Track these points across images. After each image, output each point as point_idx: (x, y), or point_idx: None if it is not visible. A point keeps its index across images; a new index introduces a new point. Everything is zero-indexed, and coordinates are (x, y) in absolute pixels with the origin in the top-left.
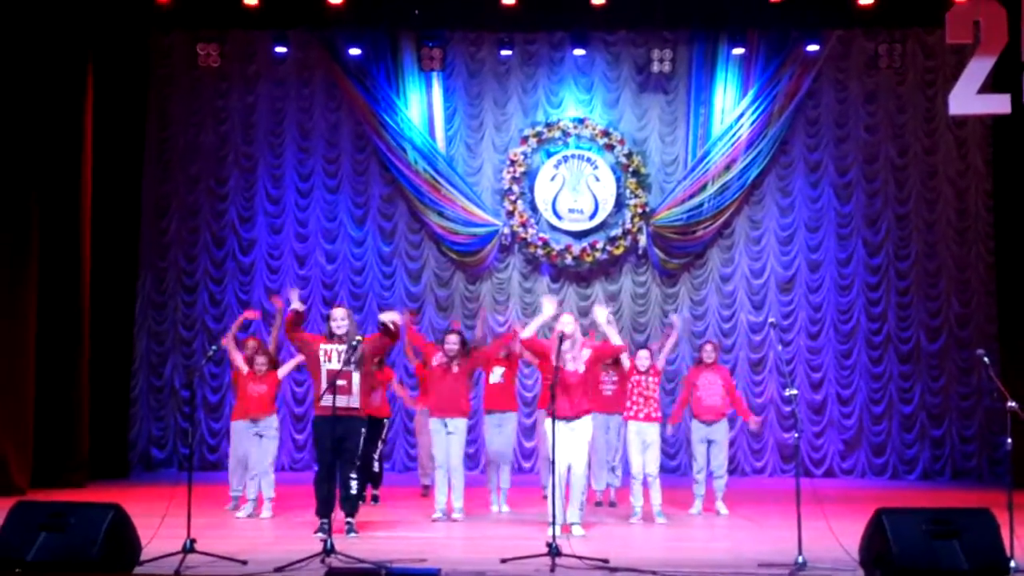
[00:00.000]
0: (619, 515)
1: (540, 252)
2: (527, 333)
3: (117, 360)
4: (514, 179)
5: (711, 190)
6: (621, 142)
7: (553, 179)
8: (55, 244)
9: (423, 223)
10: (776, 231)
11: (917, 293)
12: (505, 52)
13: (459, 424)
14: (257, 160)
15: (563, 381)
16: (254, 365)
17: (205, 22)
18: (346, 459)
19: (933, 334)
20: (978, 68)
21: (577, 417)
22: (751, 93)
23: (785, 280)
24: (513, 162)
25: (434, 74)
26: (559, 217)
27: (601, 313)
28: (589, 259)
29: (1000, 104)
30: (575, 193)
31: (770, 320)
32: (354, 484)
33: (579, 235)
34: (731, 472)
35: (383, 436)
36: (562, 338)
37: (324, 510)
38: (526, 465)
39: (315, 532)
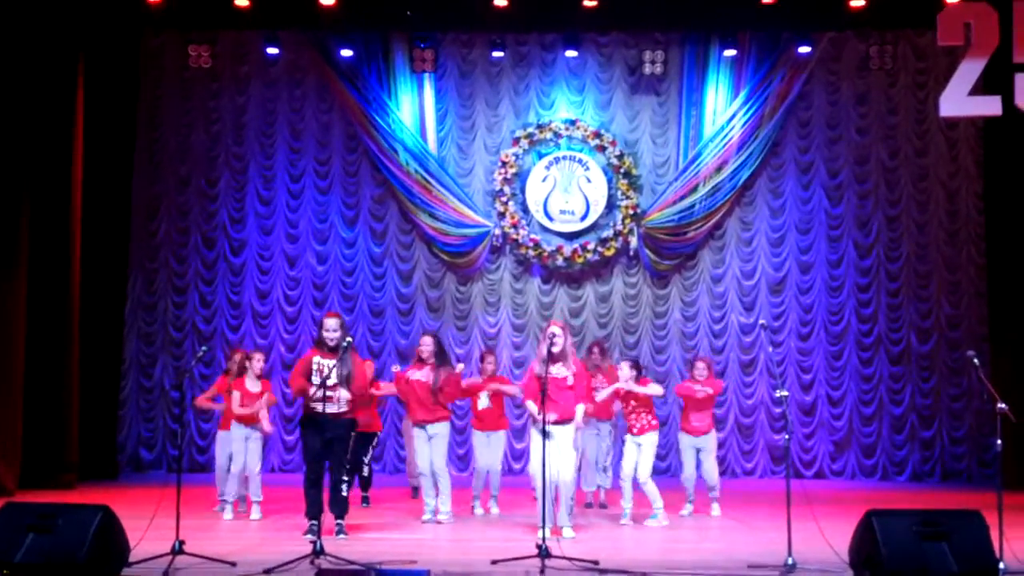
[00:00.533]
0: (609, 516)
1: (531, 253)
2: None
3: (106, 361)
4: (505, 180)
5: (702, 191)
6: (612, 143)
7: (544, 180)
8: (45, 245)
9: (414, 224)
10: (767, 232)
11: (908, 295)
12: (497, 53)
13: (439, 428)
14: (248, 161)
15: (549, 388)
16: (244, 383)
17: (196, 23)
18: (336, 461)
19: (924, 335)
20: (969, 70)
21: (560, 423)
22: (742, 95)
23: (776, 281)
24: (504, 163)
25: (426, 75)
26: (550, 218)
27: (624, 371)
28: (580, 260)
29: (991, 106)
30: (566, 194)
31: (761, 321)
32: (344, 486)
33: (570, 236)
34: (722, 474)
35: (373, 444)
36: (550, 354)
37: (313, 512)
38: (516, 466)
39: (304, 534)
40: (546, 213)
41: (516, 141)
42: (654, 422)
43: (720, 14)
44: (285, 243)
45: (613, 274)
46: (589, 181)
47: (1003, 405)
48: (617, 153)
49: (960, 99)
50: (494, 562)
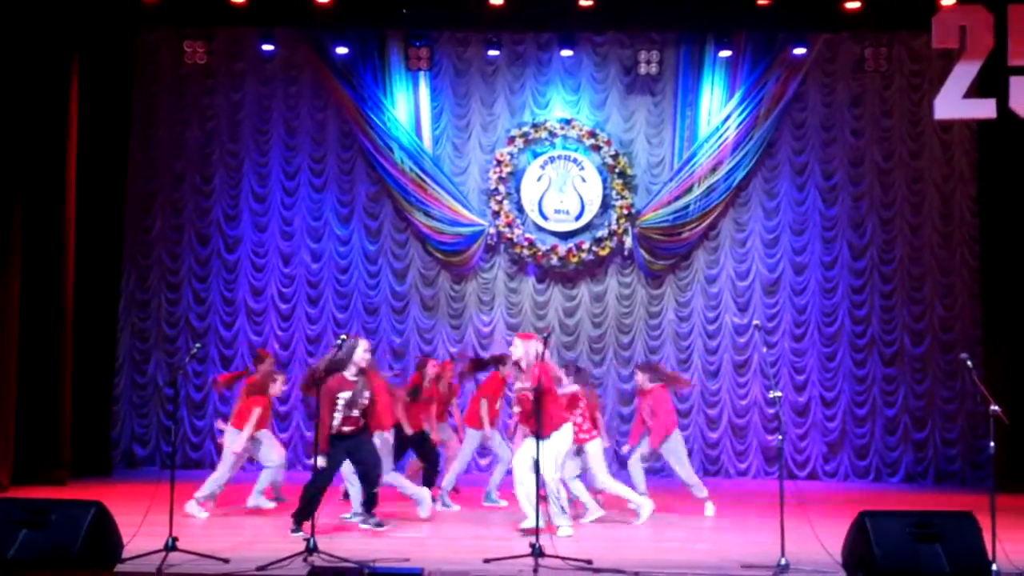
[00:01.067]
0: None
1: (526, 252)
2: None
3: (100, 357)
4: (500, 179)
5: (697, 192)
6: (608, 143)
7: (539, 179)
8: (38, 241)
9: (409, 222)
10: (761, 233)
11: (901, 296)
12: (492, 52)
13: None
14: (243, 158)
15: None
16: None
17: (192, 19)
18: (369, 469)
19: (917, 337)
20: (964, 72)
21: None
22: (738, 95)
23: (770, 282)
24: (499, 162)
25: (421, 73)
26: (545, 218)
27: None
28: (575, 260)
29: (985, 109)
30: (561, 194)
31: (755, 322)
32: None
33: (565, 236)
34: (715, 474)
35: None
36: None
37: (304, 515)
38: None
39: (291, 531)
40: (541, 212)
41: (511, 140)
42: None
43: (716, 15)
44: (280, 240)
45: (607, 274)
46: (584, 181)
47: (996, 407)
48: (612, 153)
49: (955, 102)
50: (487, 560)
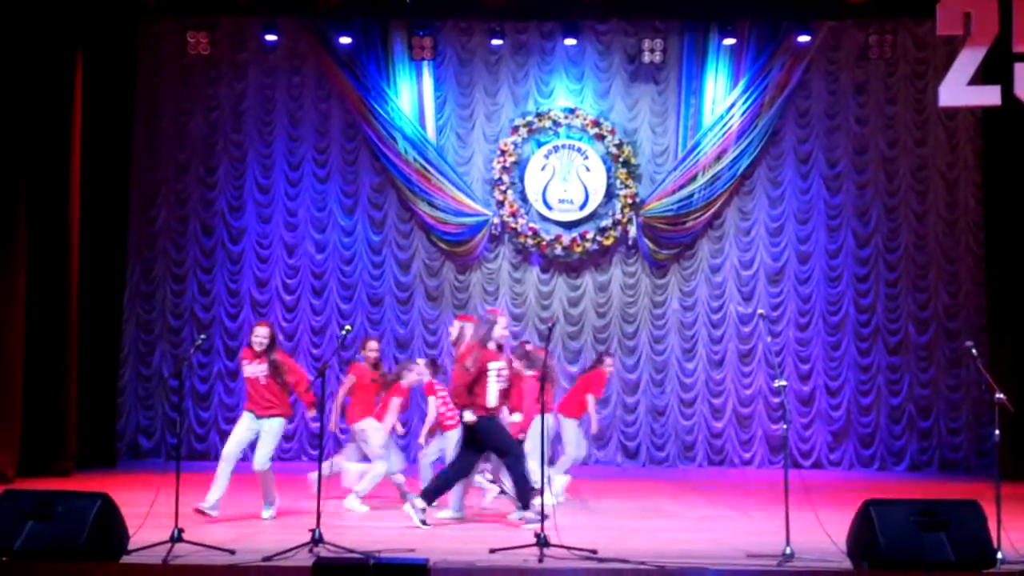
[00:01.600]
0: (607, 507)
1: (530, 242)
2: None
3: (105, 349)
4: (504, 169)
5: (701, 181)
6: (612, 132)
7: (543, 169)
8: (43, 233)
9: (413, 213)
10: (766, 222)
11: (906, 285)
12: (496, 42)
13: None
14: (247, 149)
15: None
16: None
17: (195, 9)
18: (511, 456)
19: (922, 326)
20: (968, 59)
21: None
22: (742, 84)
23: (774, 271)
24: (503, 152)
25: (425, 63)
26: (549, 207)
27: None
28: (579, 249)
29: (990, 96)
30: (565, 183)
31: (759, 311)
32: (530, 476)
33: (569, 225)
34: (719, 463)
35: None
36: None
37: (433, 497)
38: None
39: (424, 521)
40: (545, 202)
41: (515, 130)
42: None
43: (719, 2)
44: (284, 231)
45: (612, 263)
46: (588, 170)
47: (1001, 395)
48: (616, 142)
49: (959, 89)
50: (492, 551)
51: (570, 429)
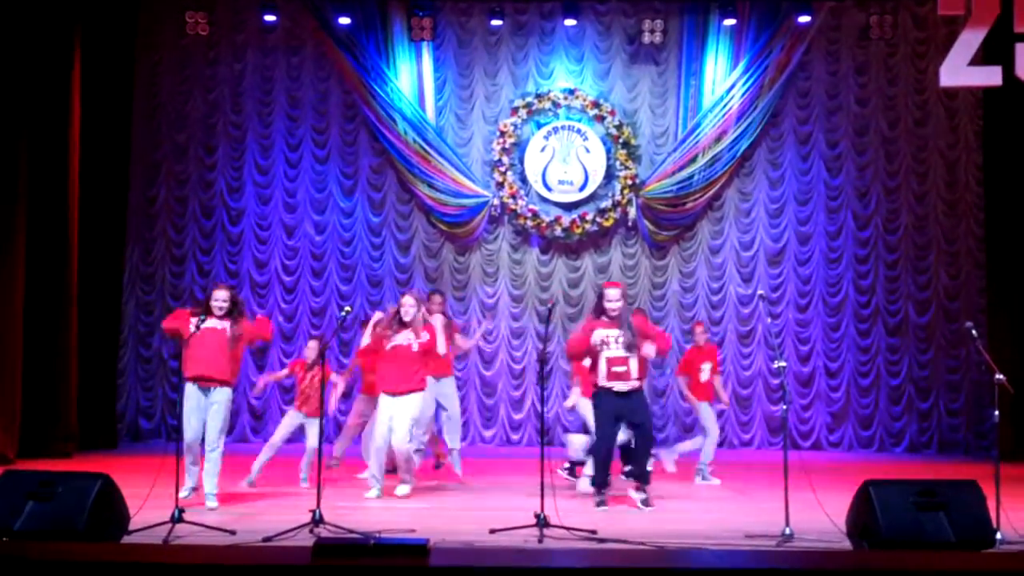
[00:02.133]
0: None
1: (530, 223)
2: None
3: (105, 331)
4: (504, 150)
5: (701, 162)
6: (611, 113)
7: (543, 150)
8: (42, 214)
9: (412, 194)
10: (766, 203)
11: (906, 266)
12: (495, 22)
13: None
14: (246, 129)
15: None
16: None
17: None
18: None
19: (922, 307)
20: (969, 40)
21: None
22: (742, 64)
23: (774, 252)
24: (503, 133)
25: (424, 44)
26: (549, 188)
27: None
28: (579, 231)
29: (991, 76)
30: (565, 164)
31: (759, 292)
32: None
33: (569, 207)
34: (719, 444)
35: None
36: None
37: (603, 479)
38: (514, 437)
39: (596, 505)
40: (544, 183)
41: (515, 111)
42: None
43: None
44: (283, 212)
45: (612, 245)
46: (588, 151)
47: (1000, 376)
48: (616, 123)
49: (960, 69)
50: (493, 531)
51: (706, 412)
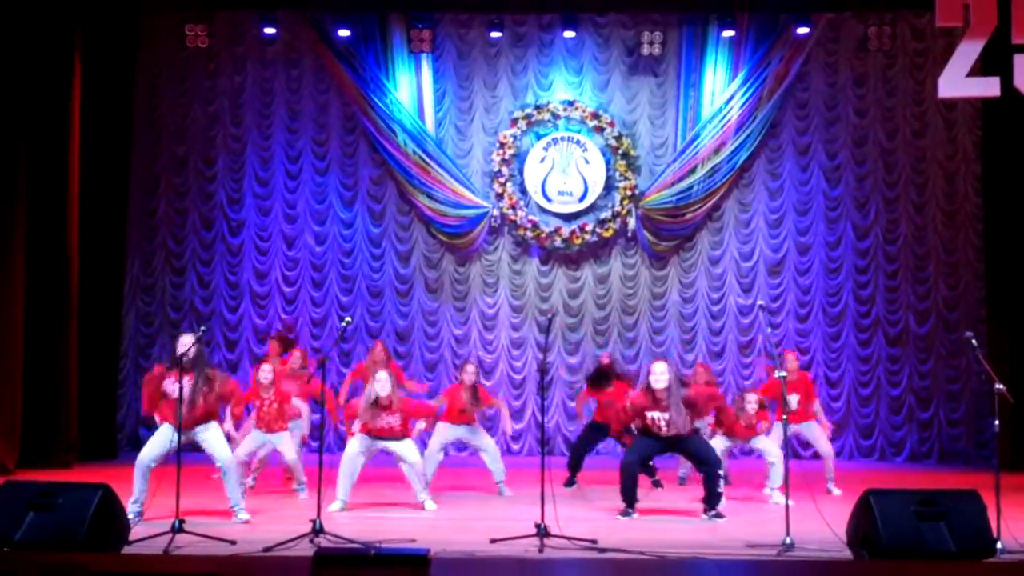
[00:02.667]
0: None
1: (529, 234)
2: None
3: (105, 341)
4: (503, 161)
5: (700, 173)
6: (611, 124)
7: (543, 161)
8: (43, 226)
9: (412, 205)
10: (765, 214)
11: (906, 276)
12: (495, 34)
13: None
14: (246, 142)
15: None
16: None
17: (193, 2)
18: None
19: (921, 317)
20: (967, 51)
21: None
22: (741, 76)
23: (774, 263)
24: (502, 144)
25: (423, 56)
26: (548, 199)
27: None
28: (578, 241)
29: (989, 87)
30: (564, 175)
31: (759, 303)
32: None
33: (568, 217)
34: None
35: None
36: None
37: (631, 498)
38: (515, 447)
39: (619, 515)
40: (544, 194)
41: (514, 122)
42: None
43: None
44: (283, 224)
45: (611, 256)
46: (587, 162)
47: (1000, 386)
48: (615, 134)
49: (959, 80)
50: (493, 541)
51: (814, 432)
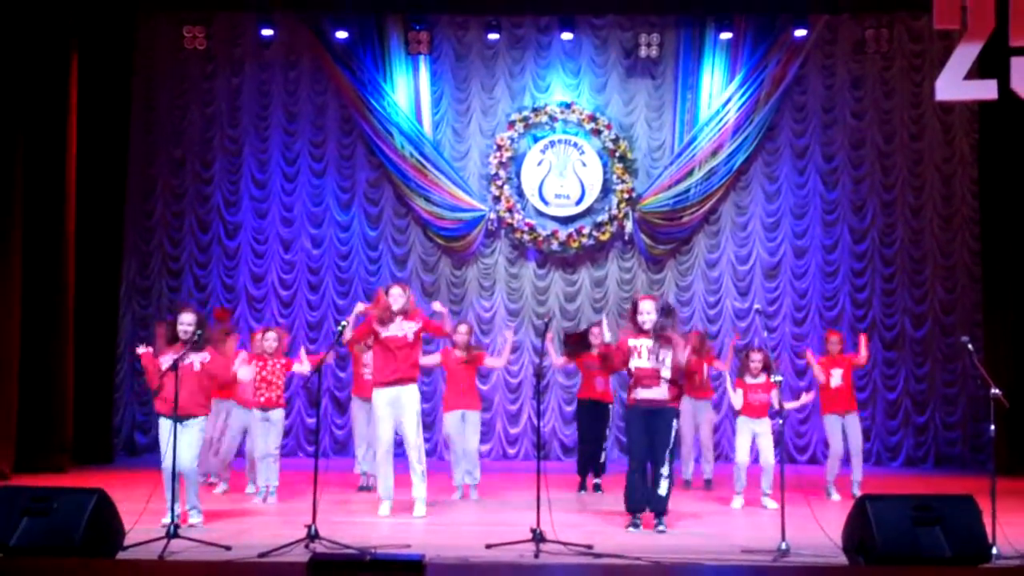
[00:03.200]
0: (606, 501)
1: (526, 237)
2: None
3: (101, 345)
4: (501, 164)
5: (698, 176)
6: (608, 127)
7: (540, 164)
8: (39, 228)
9: (409, 208)
10: (762, 217)
11: (902, 279)
12: (492, 36)
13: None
14: (243, 144)
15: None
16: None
17: (191, 4)
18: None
19: (918, 321)
20: (965, 53)
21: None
22: (738, 78)
23: (771, 266)
24: (500, 147)
25: (421, 58)
26: (545, 202)
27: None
28: (575, 245)
29: (987, 90)
30: (561, 178)
31: (755, 306)
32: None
33: (565, 220)
34: (716, 458)
35: (608, 423)
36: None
37: (636, 502)
38: (511, 451)
39: (627, 527)
40: (541, 197)
41: (511, 124)
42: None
43: None
44: (280, 226)
45: (608, 258)
46: (584, 165)
47: (997, 390)
48: (612, 137)
49: (956, 83)
50: (488, 546)
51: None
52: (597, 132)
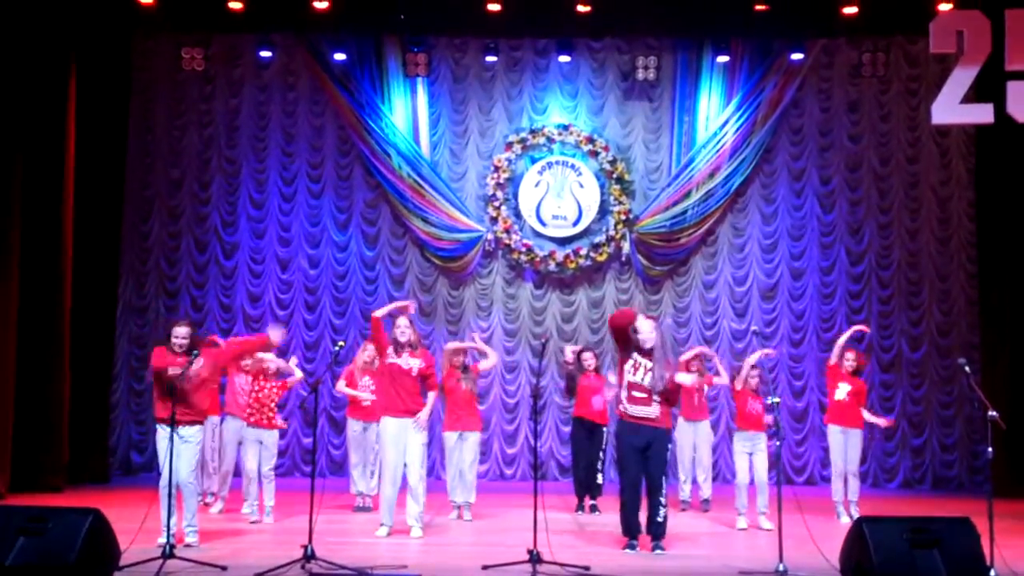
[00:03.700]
0: (603, 522)
1: (523, 258)
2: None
3: (97, 364)
4: (498, 185)
5: (695, 197)
6: (605, 149)
7: (537, 185)
8: (36, 247)
9: (407, 228)
10: (759, 239)
11: (899, 302)
12: (490, 58)
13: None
14: (240, 164)
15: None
16: None
17: (189, 25)
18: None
19: (915, 342)
20: (961, 77)
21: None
22: (735, 101)
23: (768, 288)
24: (497, 168)
25: (419, 79)
26: (543, 223)
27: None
28: (572, 266)
29: (983, 114)
30: (559, 199)
31: (753, 328)
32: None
33: (563, 241)
34: (714, 479)
35: (603, 445)
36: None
37: (633, 531)
38: (508, 472)
39: (624, 548)
40: (539, 218)
41: (509, 146)
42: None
43: (713, 20)
44: (277, 246)
45: (605, 280)
46: (582, 186)
47: (994, 412)
48: (610, 158)
49: (952, 106)
50: (485, 567)
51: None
52: (594, 153)
